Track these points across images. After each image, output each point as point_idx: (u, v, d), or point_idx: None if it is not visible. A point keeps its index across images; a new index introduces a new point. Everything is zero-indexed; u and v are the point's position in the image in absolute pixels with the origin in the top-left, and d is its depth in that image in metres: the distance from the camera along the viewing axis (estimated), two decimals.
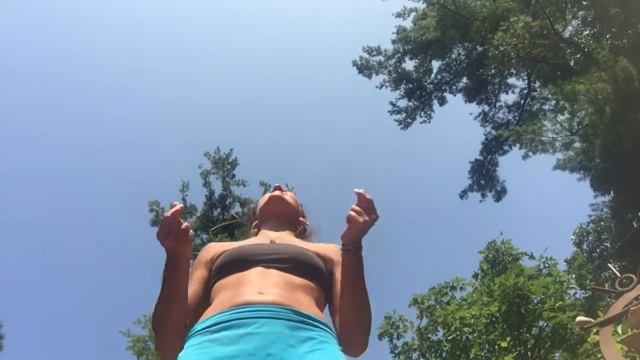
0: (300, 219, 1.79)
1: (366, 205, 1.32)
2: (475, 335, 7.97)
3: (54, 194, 26.84)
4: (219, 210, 17.32)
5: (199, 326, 1.25)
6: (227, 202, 17.28)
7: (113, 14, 27.25)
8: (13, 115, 23.70)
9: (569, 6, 14.00)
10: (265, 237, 1.59)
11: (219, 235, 16.08)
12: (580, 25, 14.08)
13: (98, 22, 26.86)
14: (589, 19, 13.64)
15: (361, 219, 1.30)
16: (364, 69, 17.78)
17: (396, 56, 17.83)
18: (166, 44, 28.51)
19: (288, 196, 1.76)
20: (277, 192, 1.74)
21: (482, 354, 7.78)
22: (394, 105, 18.04)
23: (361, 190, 1.33)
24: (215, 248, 1.55)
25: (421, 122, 18.19)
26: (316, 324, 1.27)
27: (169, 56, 28.86)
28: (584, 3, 13.74)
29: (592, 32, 13.62)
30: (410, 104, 18.25)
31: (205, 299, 1.42)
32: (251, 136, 28.19)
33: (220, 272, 1.42)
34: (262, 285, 1.32)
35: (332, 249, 1.54)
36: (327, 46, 29.39)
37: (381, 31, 22.10)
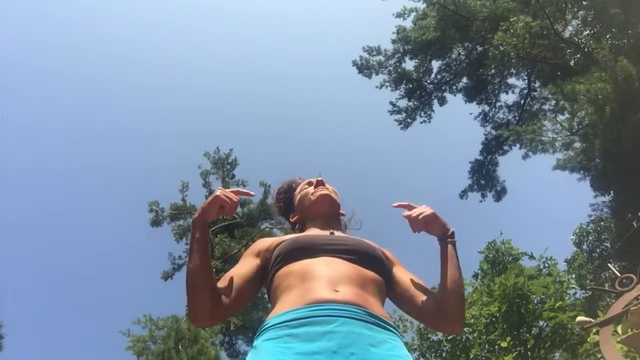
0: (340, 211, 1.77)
1: (409, 206, 1.53)
2: (475, 335, 7.97)
3: (55, 194, 26.85)
4: None
5: (274, 320, 1.26)
6: None
7: (115, 12, 27.25)
8: (13, 115, 23.69)
9: (569, 6, 14.00)
10: (319, 230, 1.59)
11: (219, 235, 16.08)
12: (580, 25, 14.08)
13: (100, 21, 26.86)
14: (589, 19, 13.63)
15: (423, 212, 1.49)
16: (364, 68, 17.76)
17: (396, 56, 17.81)
18: (166, 43, 28.51)
19: (332, 192, 1.73)
20: (324, 190, 1.70)
21: (482, 354, 7.78)
22: (394, 105, 18.04)
23: (397, 205, 1.55)
24: (270, 240, 1.55)
25: (421, 122, 18.19)
26: (388, 327, 1.30)
27: (169, 56, 28.86)
28: (584, 3, 13.73)
29: (592, 32, 13.61)
30: (410, 104, 18.24)
31: (252, 284, 1.46)
32: (251, 136, 28.19)
33: (284, 259, 1.42)
34: (334, 278, 1.33)
35: (386, 250, 1.57)
36: (327, 46, 29.40)
37: (381, 31, 22.13)
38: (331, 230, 1.58)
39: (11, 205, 22.52)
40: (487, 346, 7.77)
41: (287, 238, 1.51)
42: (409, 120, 18.06)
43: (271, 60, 28.65)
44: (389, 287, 1.49)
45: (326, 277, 1.33)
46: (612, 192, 12.94)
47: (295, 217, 1.74)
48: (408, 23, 17.51)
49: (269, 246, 1.51)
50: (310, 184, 1.76)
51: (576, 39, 13.82)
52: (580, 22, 14.07)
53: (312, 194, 1.70)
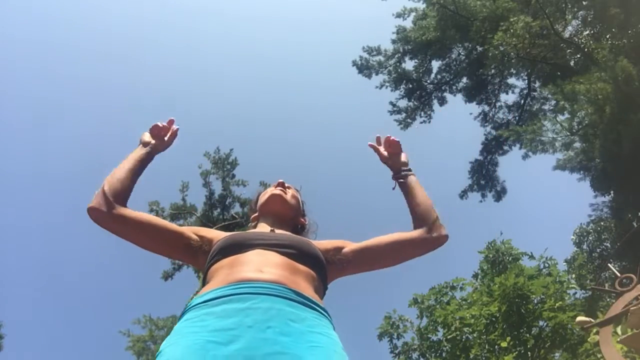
0: (300, 219, 1.77)
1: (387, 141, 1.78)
2: (475, 335, 7.97)
3: (54, 194, 26.84)
4: (219, 210, 17.31)
5: (196, 300, 1.25)
6: (227, 202, 17.26)
7: (115, 12, 27.25)
8: (13, 113, 23.70)
9: (569, 6, 13.98)
10: (265, 228, 1.61)
11: None
12: (580, 25, 14.06)
13: (100, 22, 26.86)
14: (589, 19, 13.62)
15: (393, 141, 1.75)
16: (364, 69, 17.76)
17: (396, 56, 17.81)
18: (166, 43, 28.52)
19: (289, 195, 1.73)
20: (278, 191, 1.72)
21: (482, 354, 7.78)
22: (394, 105, 18.04)
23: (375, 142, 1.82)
24: (216, 232, 1.58)
25: (421, 122, 18.18)
26: (316, 307, 1.27)
27: (169, 55, 28.87)
28: (584, 3, 13.72)
29: (592, 32, 13.60)
30: (410, 104, 18.23)
31: (159, 233, 1.50)
32: (251, 136, 28.19)
33: (218, 253, 1.41)
34: (262, 263, 1.32)
35: (331, 241, 1.59)
36: (327, 46, 29.40)
37: (381, 31, 22.12)
38: (272, 228, 1.58)
39: (11, 205, 22.52)
40: (487, 346, 7.77)
41: (226, 235, 1.52)
42: (408, 120, 18.05)
43: (271, 60, 28.67)
44: (369, 261, 1.56)
45: (254, 262, 1.33)
46: (612, 192, 12.94)
47: (254, 216, 1.78)
48: (408, 23, 17.53)
49: (211, 238, 1.53)
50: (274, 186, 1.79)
51: (576, 39, 13.81)
52: (580, 22, 14.06)
53: (268, 193, 1.73)
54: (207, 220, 16.60)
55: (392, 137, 1.78)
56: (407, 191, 1.67)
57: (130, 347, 11.76)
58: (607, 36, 12.74)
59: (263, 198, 1.73)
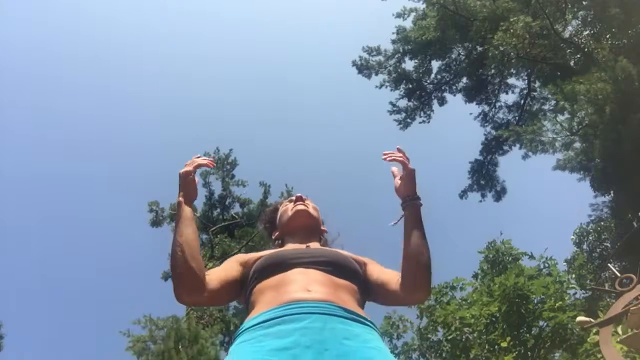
0: (322, 227, 1.80)
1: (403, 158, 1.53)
2: (475, 335, 7.97)
3: (55, 194, 26.84)
4: (218, 210, 17.32)
5: (249, 323, 1.28)
6: (226, 202, 17.27)
7: (112, 15, 27.25)
8: (13, 116, 23.71)
9: (569, 6, 13.99)
10: (297, 245, 1.63)
11: (219, 235, 16.08)
12: (580, 25, 14.07)
13: (97, 24, 26.87)
14: (589, 19, 13.62)
15: (409, 167, 1.50)
16: (364, 69, 17.76)
17: (396, 56, 17.81)
18: (166, 44, 28.54)
19: (311, 207, 1.76)
20: (300, 206, 1.74)
21: (482, 354, 7.78)
22: (393, 105, 18.04)
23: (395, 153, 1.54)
24: (249, 255, 1.58)
25: (420, 122, 18.18)
26: (364, 321, 1.31)
27: (169, 57, 28.88)
28: (584, 3, 13.73)
29: (592, 32, 13.60)
30: (410, 104, 18.24)
31: (231, 286, 1.46)
32: (251, 136, 28.19)
33: (260, 275, 1.44)
34: (307, 283, 1.36)
35: (361, 256, 1.60)
36: (327, 46, 29.38)
37: (381, 31, 22.10)
38: (307, 244, 1.60)
39: (12, 205, 22.52)
40: (487, 346, 7.77)
41: (263, 254, 1.53)
42: (408, 120, 18.05)
43: (271, 60, 28.67)
44: (370, 292, 1.51)
45: (299, 281, 1.36)
46: (612, 192, 12.93)
47: (276, 234, 1.79)
48: (408, 23, 17.52)
49: (247, 261, 1.53)
50: (290, 201, 1.80)
51: (576, 39, 13.81)
52: (580, 22, 14.06)
53: (290, 210, 1.74)
54: (207, 221, 16.60)
55: (407, 169, 1.52)
56: (404, 228, 1.49)
57: (130, 347, 11.73)
58: (607, 36, 12.75)
59: (286, 216, 1.74)
